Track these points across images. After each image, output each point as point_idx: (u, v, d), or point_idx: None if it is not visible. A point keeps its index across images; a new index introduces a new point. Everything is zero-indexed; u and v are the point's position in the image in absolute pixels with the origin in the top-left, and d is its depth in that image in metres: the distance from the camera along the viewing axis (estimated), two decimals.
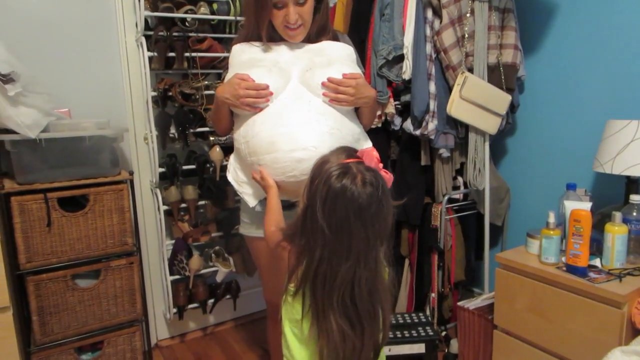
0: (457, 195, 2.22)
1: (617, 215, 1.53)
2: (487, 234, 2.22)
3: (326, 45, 1.46)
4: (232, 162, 1.51)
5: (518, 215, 2.35)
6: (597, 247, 1.62)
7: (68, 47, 2.01)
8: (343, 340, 0.97)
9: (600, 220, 1.65)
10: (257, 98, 1.33)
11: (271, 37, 1.44)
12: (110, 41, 2.10)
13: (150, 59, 2.05)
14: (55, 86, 1.91)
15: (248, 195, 1.45)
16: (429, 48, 1.99)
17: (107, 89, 2.11)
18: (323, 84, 1.34)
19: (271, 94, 1.34)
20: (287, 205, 1.46)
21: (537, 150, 2.24)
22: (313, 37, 1.47)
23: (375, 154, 1.07)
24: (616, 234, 1.52)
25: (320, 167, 1.01)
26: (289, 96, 1.36)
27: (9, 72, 1.52)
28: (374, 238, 0.97)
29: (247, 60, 1.42)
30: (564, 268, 1.58)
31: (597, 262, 1.59)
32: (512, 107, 2.19)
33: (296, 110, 1.33)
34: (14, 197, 1.65)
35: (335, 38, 1.52)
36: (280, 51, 1.45)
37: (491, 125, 2.07)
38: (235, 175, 1.49)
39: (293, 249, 1.05)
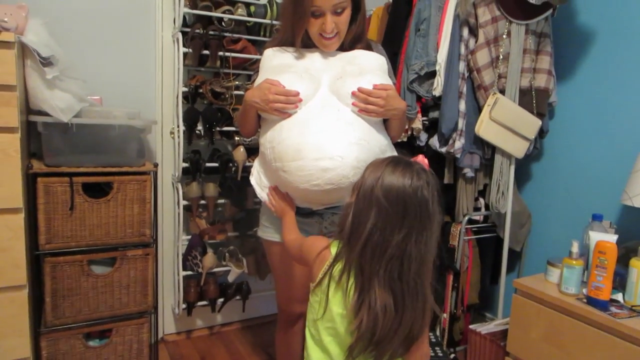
0: (478, 216, 2.19)
1: None
2: (505, 258, 2.18)
3: (358, 54, 1.45)
4: (256, 166, 1.51)
5: (538, 242, 2.31)
6: (619, 281, 1.58)
7: (106, 36, 2.05)
8: (384, 312, 0.94)
9: (624, 255, 1.61)
10: (286, 104, 1.32)
11: (305, 43, 1.44)
12: (148, 35, 2.14)
13: (185, 55, 2.07)
14: (90, 73, 1.94)
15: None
16: (462, 66, 1.99)
17: (139, 81, 2.15)
18: (353, 94, 1.33)
19: (300, 100, 1.33)
20: (307, 213, 1.46)
21: (562, 178, 2.21)
22: (347, 46, 1.47)
23: (426, 161, 1.05)
24: None
25: (374, 161, 1.01)
26: (318, 104, 1.35)
27: (49, 55, 1.56)
28: (425, 221, 0.95)
29: (278, 65, 1.42)
30: (585, 300, 1.54)
31: (619, 297, 1.54)
32: (541, 132, 2.16)
33: (324, 119, 1.32)
34: (41, 178, 1.67)
35: (368, 47, 1.51)
36: (312, 58, 1.44)
37: (519, 148, 2.05)
38: (258, 179, 1.48)
39: (340, 237, 1.02)
